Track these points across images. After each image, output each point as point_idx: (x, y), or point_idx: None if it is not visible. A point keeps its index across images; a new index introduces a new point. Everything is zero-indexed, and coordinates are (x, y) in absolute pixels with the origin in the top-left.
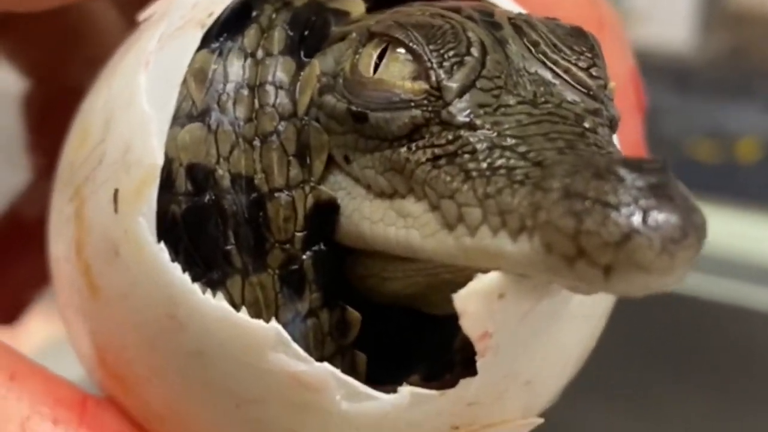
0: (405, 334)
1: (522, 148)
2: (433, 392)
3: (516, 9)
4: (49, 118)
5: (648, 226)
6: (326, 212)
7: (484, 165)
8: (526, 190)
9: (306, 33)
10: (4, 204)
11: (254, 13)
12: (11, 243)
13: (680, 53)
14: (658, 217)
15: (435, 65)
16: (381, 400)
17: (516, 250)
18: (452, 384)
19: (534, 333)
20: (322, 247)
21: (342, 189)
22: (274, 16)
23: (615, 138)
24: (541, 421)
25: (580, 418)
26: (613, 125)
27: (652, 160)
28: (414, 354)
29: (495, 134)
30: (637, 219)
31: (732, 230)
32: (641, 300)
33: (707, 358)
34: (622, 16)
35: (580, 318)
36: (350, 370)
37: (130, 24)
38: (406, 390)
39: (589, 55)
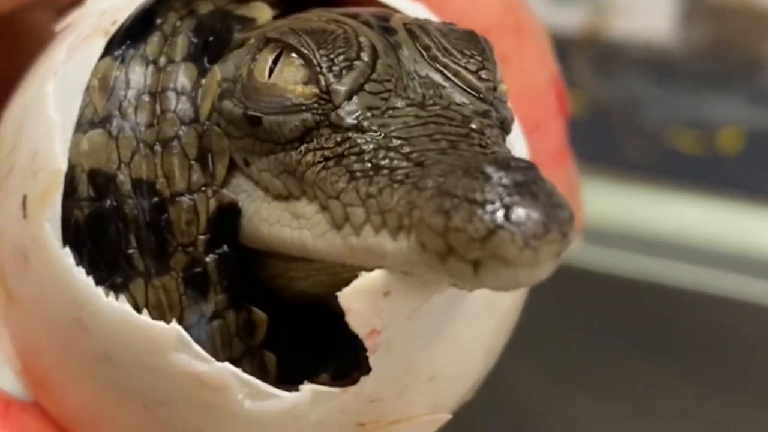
0: (317, 333)
1: (406, 149)
2: (334, 389)
3: (423, 15)
4: None
5: (511, 221)
6: (229, 215)
7: (369, 165)
8: (404, 189)
9: (210, 39)
10: None
11: (158, 21)
12: None
13: (661, 45)
14: (520, 213)
15: (325, 69)
16: (283, 398)
17: (395, 248)
18: (354, 381)
19: (429, 330)
20: (226, 249)
21: (243, 192)
22: (178, 23)
23: (519, 137)
24: (449, 417)
25: (571, 410)
26: (505, 126)
27: (520, 159)
28: (326, 353)
29: (381, 136)
30: (500, 215)
31: (714, 220)
32: (619, 289)
33: (691, 348)
34: (602, 7)
35: (480, 314)
36: (260, 370)
37: None
38: (307, 388)
39: (480, 58)
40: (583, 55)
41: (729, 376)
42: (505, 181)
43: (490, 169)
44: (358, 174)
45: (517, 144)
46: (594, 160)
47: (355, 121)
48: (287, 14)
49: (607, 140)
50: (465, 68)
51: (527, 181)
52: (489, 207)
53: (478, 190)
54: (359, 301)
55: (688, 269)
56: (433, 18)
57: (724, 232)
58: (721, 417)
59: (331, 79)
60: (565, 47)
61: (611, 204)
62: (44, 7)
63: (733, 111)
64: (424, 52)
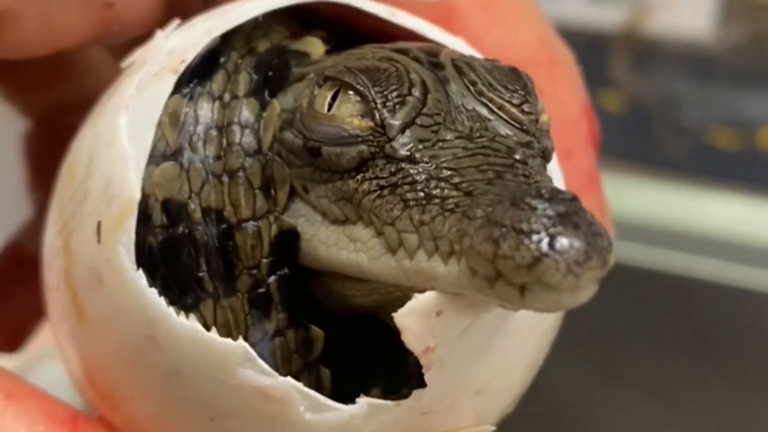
0: (371, 349)
1: (455, 179)
2: (389, 402)
3: (465, 49)
4: (48, 157)
5: (555, 250)
6: (289, 239)
7: (421, 194)
8: (455, 218)
9: (269, 74)
10: (8, 238)
11: (222, 60)
12: (13, 274)
13: (700, 42)
14: (563, 242)
15: (379, 105)
16: (341, 410)
17: (447, 272)
18: (407, 395)
19: (478, 346)
20: (287, 271)
21: (302, 216)
22: (239, 61)
23: (554, 164)
24: (493, 428)
25: (606, 406)
26: (546, 155)
27: (563, 191)
28: (377, 369)
29: (433, 166)
30: (545, 244)
31: (753, 217)
32: (658, 285)
33: (725, 343)
34: (641, 5)
35: (523, 332)
36: (316, 384)
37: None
38: (363, 401)
39: (522, 92)
40: (622, 53)
41: (759, 371)
42: (549, 212)
43: (535, 201)
44: (412, 202)
45: (554, 171)
46: (633, 157)
47: (408, 153)
48: (338, 48)
49: (645, 137)
50: (509, 102)
51: (569, 212)
52: (535, 236)
53: (524, 220)
54: (414, 321)
55: (726, 266)
56: (473, 52)
57: (762, 229)
58: (758, 414)
59: (386, 113)
60: (604, 45)
61: (650, 201)
62: (99, 42)
63: None
64: (470, 87)
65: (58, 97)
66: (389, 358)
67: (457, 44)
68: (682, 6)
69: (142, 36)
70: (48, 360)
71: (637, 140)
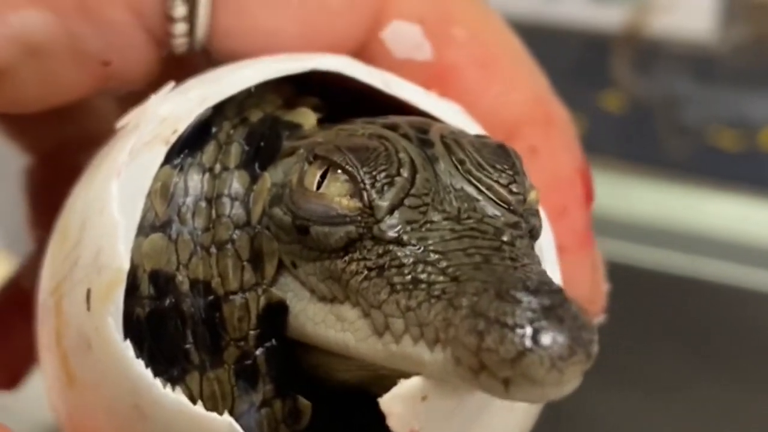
0: (357, 419)
1: (442, 264)
2: None
3: (459, 116)
4: (49, 194)
5: (539, 345)
6: (277, 312)
7: (408, 279)
8: (441, 306)
9: (261, 145)
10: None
11: (213, 130)
12: (12, 312)
13: (702, 43)
14: (547, 337)
15: (368, 185)
16: None
17: (432, 359)
18: None
19: (462, 426)
20: (274, 342)
21: (290, 291)
22: (231, 131)
23: (546, 224)
24: None
25: (606, 405)
26: (534, 233)
27: (549, 282)
28: None
29: (420, 249)
30: (529, 339)
31: (754, 217)
32: (660, 285)
33: (726, 343)
34: (643, 6)
35: (508, 409)
36: None
37: (124, 105)
38: None
39: (510, 172)
40: (623, 53)
41: (761, 370)
42: (533, 305)
43: (520, 294)
44: (399, 287)
45: (543, 236)
46: (634, 158)
47: (396, 235)
48: (330, 117)
49: (647, 138)
50: (497, 182)
51: (554, 305)
52: (519, 331)
53: (509, 314)
54: (399, 405)
55: (727, 266)
56: (467, 119)
57: (764, 229)
58: (760, 414)
59: (374, 195)
60: (605, 45)
61: (651, 201)
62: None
63: None
64: (459, 166)
65: (60, 136)
66: (377, 429)
67: (452, 111)
68: (683, 6)
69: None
70: None
71: (638, 140)
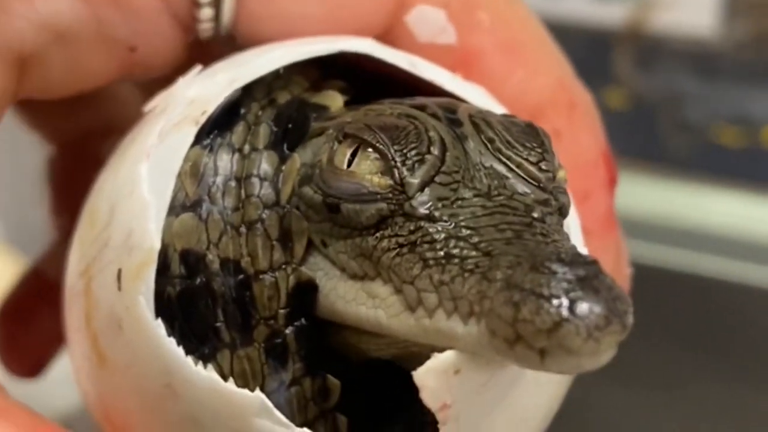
0: (389, 396)
1: (474, 239)
2: None
3: (484, 98)
4: (72, 183)
5: (575, 315)
6: (306, 291)
7: (441, 254)
8: (474, 279)
9: (289, 127)
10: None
11: (242, 111)
12: (34, 301)
13: (704, 39)
14: (583, 307)
15: (399, 163)
16: None
17: (466, 333)
18: None
19: (494, 400)
20: (304, 321)
21: (320, 270)
22: (260, 113)
23: (573, 216)
24: None
25: (593, 399)
26: (563, 211)
27: (582, 255)
28: (396, 417)
29: (452, 225)
30: (565, 309)
31: (756, 214)
32: (662, 282)
33: (728, 340)
34: (645, 2)
35: (538, 384)
36: (333, 431)
37: (146, 94)
38: None
39: (539, 150)
40: (625, 50)
41: (765, 368)
42: (569, 276)
43: (555, 265)
44: (431, 262)
45: (570, 217)
46: (636, 155)
47: (427, 211)
48: (358, 96)
49: (649, 135)
50: (527, 160)
51: (589, 276)
52: (555, 301)
53: (544, 285)
54: (432, 379)
55: (730, 263)
56: (492, 101)
57: (766, 226)
58: (759, 410)
59: (405, 172)
60: (608, 42)
61: (653, 198)
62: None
63: None
64: (488, 145)
65: (82, 124)
66: (408, 406)
67: (476, 93)
68: (686, 3)
69: (167, 76)
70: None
71: (640, 138)
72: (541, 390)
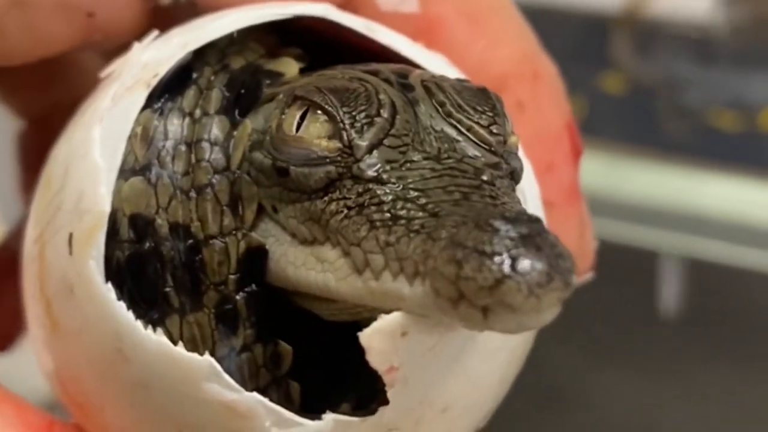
0: (339, 365)
1: (422, 200)
2: (354, 419)
3: (443, 66)
4: (41, 158)
5: (517, 272)
6: (257, 257)
7: (388, 215)
8: (420, 239)
9: (241, 92)
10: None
11: (194, 75)
12: (4, 276)
13: (702, 24)
14: (525, 264)
15: (347, 125)
16: (307, 426)
17: (412, 293)
18: (373, 412)
19: (443, 365)
20: (254, 287)
21: (271, 236)
22: (212, 78)
23: (532, 178)
24: None
25: (590, 383)
26: (515, 176)
27: (526, 213)
28: (346, 384)
29: (400, 187)
30: (507, 266)
31: (753, 198)
32: (660, 266)
33: (724, 323)
34: None
35: (492, 349)
36: (285, 399)
37: None
38: (329, 417)
39: (491, 113)
40: (624, 35)
41: (765, 352)
42: (512, 233)
43: (498, 223)
44: (378, 223)
45: (528, 187)
46: (634, 139)
47: (375, 174)
48: (313, 67)
49: (647, 119)
50: (477, 123)
51: (532, 234)
52: (497, 258)
53: (487, 242)
54: (378, 340)
55: (727, 246)
56: (451, 69)
57: (763, 209)
58: (759, 394)
59: (353, 134)
60: (606, 27)
61: (651, 182)
62: (86, 49)
63: None
64: (439, 108)
65: (51, 98)
66: (360, 373)
67: (435, 60)
68: None
69: (128, 44)
70: None
71: (638, 122)
72: (494, 356)
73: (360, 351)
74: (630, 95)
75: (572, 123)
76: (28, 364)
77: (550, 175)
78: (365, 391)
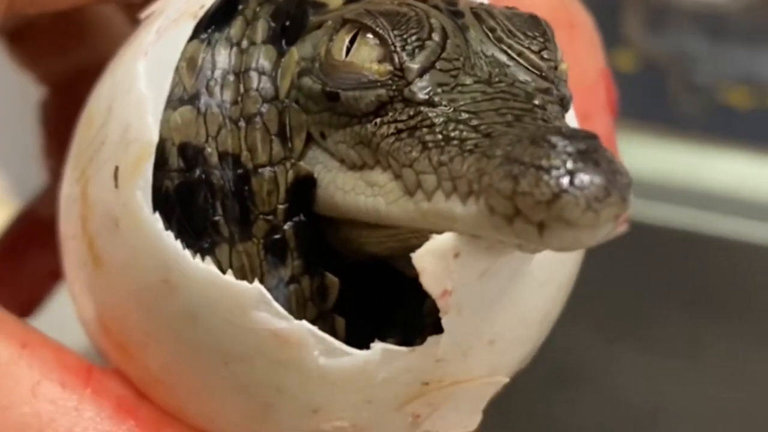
0: (385, 299)
1: (474, 122)
2: (403, 349)
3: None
4: (64, 124)
5: (575, 186)
6: (306, 186)
7: (440, 137)
8: (474, 158)
9: (287, 23)
10: (23, 204)
11: (240, 7)
12: (28, 242)
13: (714, 0)
14: (583, 178)
15: (399, 48)
16: (355, 355)
17: (465, 212)
18: (422, 341)
19: (493, 294)
20: (302, 218)
21: (319, 163)
22: (258, 9)
23: (571, 114)
24: (506, 380)
25: (598, 360)
26: (564, 103)
27: (583, 130)
28: (392, 319)
29: (451, 110)
30: (565, 180)
31: (765, 174)
32: (671, 242)
33: (735, 299)
34: None
35: (538, 284)
36: (331, 333)
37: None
38: (378, 346)
39: (542, 39)
40: (634, 11)
41: (753, 321)
42: (569, 149)
43: (555, 138)
44: (430, 144)
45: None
46: (646, 116)
47: (427, 96)
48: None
49: (658, 96)
50: (528, 48)
51: (589, 149)
52: (554, 172)
53: (544, 157)
54: (432, 261)
55: (740, 223)
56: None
57: None
58: (763, 368)
59: (405, 57)
60: (616, 3)
61: (663, 158)
62: (111, 1)
63: None
64: (489, 34)
65: (74, 63)
66: (404, 308)
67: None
68: None
69: None
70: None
71: (650, 99)
72: (540, 291)
73: (405, 286)
74: (641, 72)
75: (607, 73)
76: (60, 323)
77: (587, 124)
78: (410, 327)
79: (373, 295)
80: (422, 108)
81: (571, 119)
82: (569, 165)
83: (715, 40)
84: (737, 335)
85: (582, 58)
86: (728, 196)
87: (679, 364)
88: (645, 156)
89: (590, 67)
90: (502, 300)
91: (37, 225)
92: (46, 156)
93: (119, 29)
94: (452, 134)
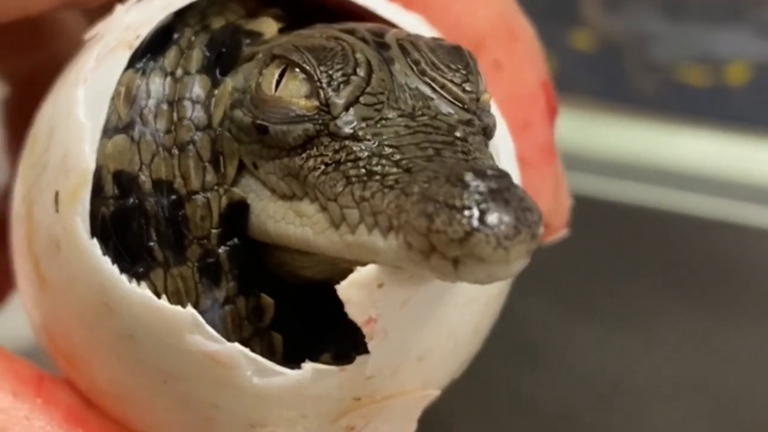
0: (324, 314)
1: (396, 156)
2: (333, 368)
3: (419, 26)
4: (26, 122)
5: (486, 225)
6: (238, 211)
7: (363, 171)
8: (393, 194)
9: (222, 51)
10: None
11: (175, 36)
12: None
13: None
14: (493, 217)
15: (324, 84)
16: (287, 375)
17: (386, 246)
18: (352, 361)
19: (420, 316)
20: (236, 241)
21: (252, 191)
22: (193, 38)
23: (506, 137)
24: (437, 393)
25: (578, 339)
26: (487, 132)
27: (496, 168)
28: (328, 335)
29: (375, 144)
30: (476, 219)
31: (723, 152)
32: (631, 219)
33: (697, 275)
34: None
35: (465, 301)
36: (268, 350)
37: None
38: (308, 366)
39: (464, 72)
40: None
41: (735, 302)
42: (481, 188)
43: (468, 177)
44: (354, 179)
45: (502, 145)
46: (603, 95)
47: (352, 131)
48: (292, 27)
49: (616, 75)
50: (451, 81)
51: (500, 188)
52: (466, 212)
53: (457, 196)
54: (356, 292)
55: (695, 199)
56: (428, 29)
57: (731, 162)
58: (728, 343)
59: (330, 92)
60: None
61: (621, 137)
62: (69, 8)
63: (741, 45)
64: (414, 67)
65: (35, 62)
66: (340, 324)
67: (411, 20)
68: None
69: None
70: None
71: (607, 78)
72: (468, 307)
73: (339, 304)
74: (598, 51)
75: (548, 82)
76: (17, 320)
77: (526, 134)
78: (345, 343)
79: (313, 311)
80: (347, 142)
81: (504, 133)
82: (481, 205)
83: (672, 19)
84: (697, 310)
85: (522, 68)
86: (686, 173)
87: (640, 340)
88: (603, 134)
89: (530, 78)
90: (428, 320)
91: (1, 222)
92: (9, 153)
93: (79, 32)
94: (375, 169)
